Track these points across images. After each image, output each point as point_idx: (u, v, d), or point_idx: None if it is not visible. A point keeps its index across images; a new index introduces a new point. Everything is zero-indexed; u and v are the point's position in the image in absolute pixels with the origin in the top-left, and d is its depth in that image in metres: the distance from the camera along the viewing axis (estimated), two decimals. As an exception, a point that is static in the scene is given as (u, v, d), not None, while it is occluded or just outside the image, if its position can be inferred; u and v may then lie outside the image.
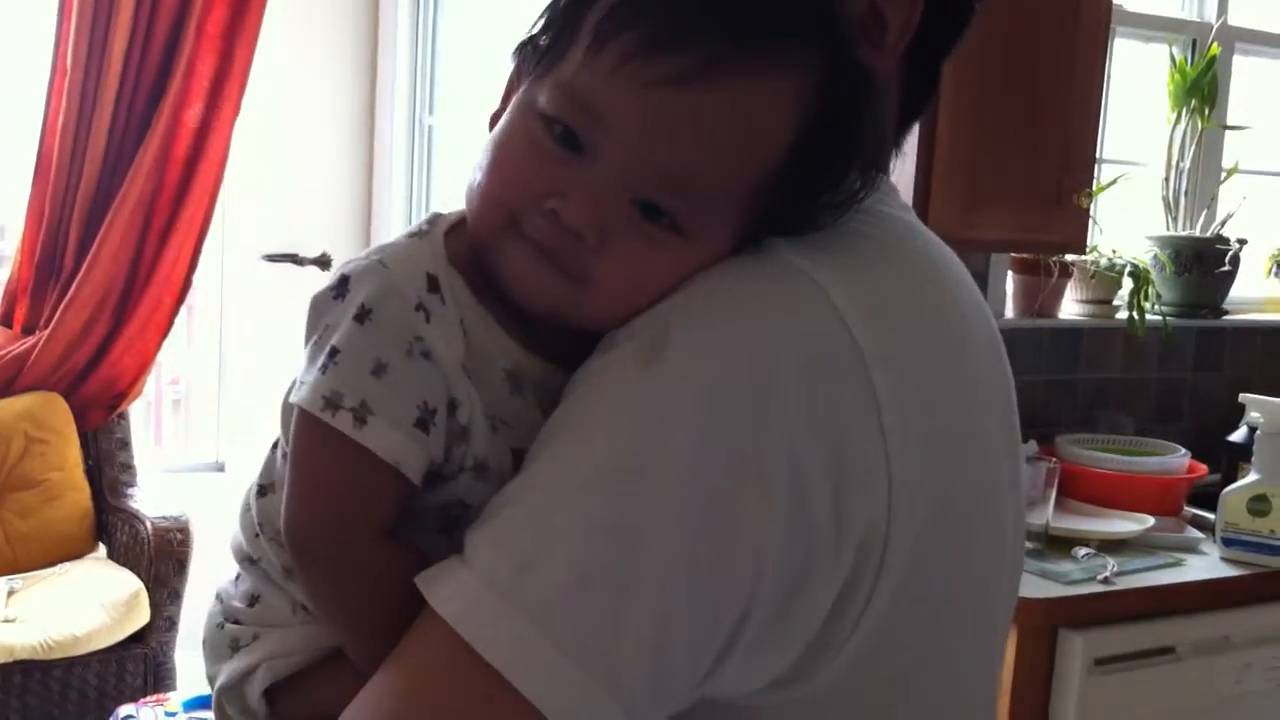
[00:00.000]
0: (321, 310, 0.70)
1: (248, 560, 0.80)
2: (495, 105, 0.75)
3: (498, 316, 0.72)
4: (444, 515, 0.72)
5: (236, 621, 0.81)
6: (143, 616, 3.16)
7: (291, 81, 3.94)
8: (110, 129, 3.51)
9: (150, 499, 3.48)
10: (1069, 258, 2.89)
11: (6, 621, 3.01)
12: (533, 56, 0.72)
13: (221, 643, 0.81)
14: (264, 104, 3.82)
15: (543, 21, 0.72)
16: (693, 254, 0.69)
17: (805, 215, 0.70)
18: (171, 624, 3.24)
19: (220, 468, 4.07)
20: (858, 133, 0.70)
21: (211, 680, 0.83)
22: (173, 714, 2.78)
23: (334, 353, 0.68)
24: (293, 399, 0.70)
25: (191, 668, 3.22)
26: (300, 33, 3.93)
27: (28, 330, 3.59)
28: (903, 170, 2.44)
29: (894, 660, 0.70)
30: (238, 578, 0.82)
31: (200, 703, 2.82)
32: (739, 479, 0.63)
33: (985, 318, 0.79)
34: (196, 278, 3.76)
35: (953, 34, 0.81)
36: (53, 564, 3.33)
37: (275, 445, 0.79)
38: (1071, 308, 3.05)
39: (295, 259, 3.98)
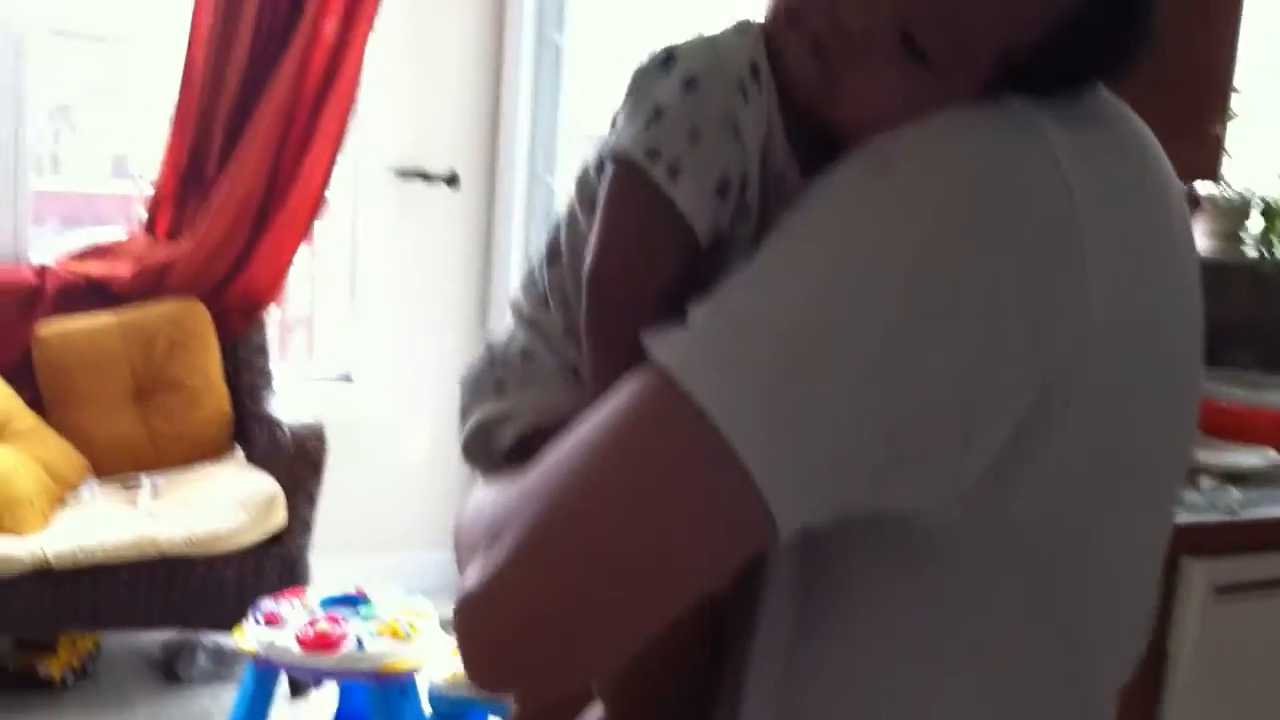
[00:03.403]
0: (647, 79, 0.77)
1: (527, 320, 0.88)
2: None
3: (784, 115, 0.78)
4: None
5: (506, 369, 0.88)
6: (280, 518, 3.26)
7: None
8: (251, 41, 3.59)
9: (286, 406, 3.59)
10: (1199, 189, 2.85)
11: (151, 516, 3.14)
12: None
13: (487, 385, 0.88)
14: (397, 19, 3.86)
15: None
16: (938, 93, 0.73)
17: (1050, 83, 0.74)
18: (307, 527, 3.35)
19: (348, 378, 4.18)
20: (1124, 20, 0.74)
21: (465, 414, 0.89)
22: (310, 609, 2.91)
23: (658, 113, 0.76)
24: (615, 148, 0.77)
25: (325, 571, 3.35)
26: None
27: (171, 237, 3.70)
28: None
29: (1069, 504, 0.73)
30: (512, 334, 0.89)
31: (335, 602, 2.94)
32: (943, 288, 0.67)
33: (1185, 223, 0.83)
34: (330, 191, 3.85)
35: None
36: (193, 464, 3.46)
37: (557, 225, 0.87)
38: (1198, 241, 2.98)
39: (424, 175, 4.05)
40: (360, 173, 4.09)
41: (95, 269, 3.60)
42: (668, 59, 0.77)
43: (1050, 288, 0.68)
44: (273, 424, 3.50)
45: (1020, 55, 0.73)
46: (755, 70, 0.77)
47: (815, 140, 0.77)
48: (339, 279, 4.21)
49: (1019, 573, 0.74)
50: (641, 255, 0.77)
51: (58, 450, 3.28)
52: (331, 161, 3.78)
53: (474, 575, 0.71)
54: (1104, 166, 0.74)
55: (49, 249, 3.72)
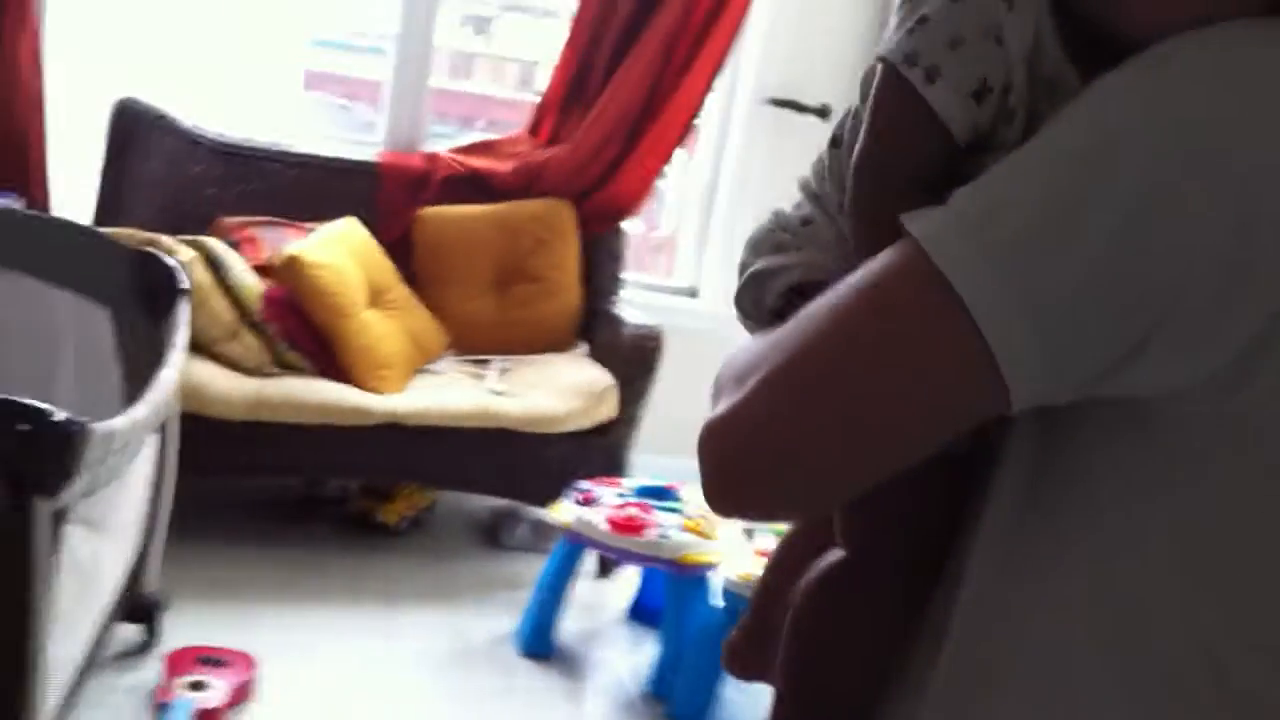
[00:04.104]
0: None
1: (813, 195, 0.98)
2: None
3: (1063, 33, 0.81)
4: None
5: (788, 232, 0.98)
6: (610, 410, 3.46)
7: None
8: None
9: (632, 310, 3.77)
10: None
11: (496, 393, 3.40)
12: None
13: (768, 241, 0.99)
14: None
15: None
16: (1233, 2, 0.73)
17: None
18: (634, 422, 3.53)
19: (694, 293, 4.33)
20: None
21: (744, 268, 0.99)
22: (624, 494, 3.08)
23: (923, 20, 0.82)
24: (880, 51, 0.84)
25: (645, 466, 3.52)
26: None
27: (551, 142, 3.94)
28: None
29: None
30: (798, 205, 0.99)
31: (648, 492, 3.10)
32: (1201, 176, 0.67)
33: None
34: (702, 117, 3.99)
35: None
36: (541, 352, 3.69)
37: (845, 114, 0.95)
38: None
39: (796, 106, 4.12)
40: (736, 100, 4.21)
41: (478, 163, 3.88)
42: None
43: None
44: (616, 323, 3.69)
45: None
46: None
47: (1098, 48, 0.78)
48: (701, 199, 4.36)
49: (1256, 472, 0.72)
50: (897, 150, 0.84)
51: (423, 323, 3.58)
52: (707, 88, 3.92)
53: (719, 408, 0.77)
54: None
55: (443, 143, 4.04)
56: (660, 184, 4.12)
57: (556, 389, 3.43)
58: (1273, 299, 0.68)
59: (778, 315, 0.90)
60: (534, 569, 3.11)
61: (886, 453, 0.74)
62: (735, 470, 0.76)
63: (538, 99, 4.01)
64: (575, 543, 2.98)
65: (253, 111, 3.85)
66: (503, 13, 5.11)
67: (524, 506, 3.59)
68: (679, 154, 4.09)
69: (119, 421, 1.76)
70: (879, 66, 0.85)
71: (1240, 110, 0.68)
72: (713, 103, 4.08)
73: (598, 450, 3.45)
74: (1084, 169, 0.69)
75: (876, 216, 0.81)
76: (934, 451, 0.75)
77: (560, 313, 3.79)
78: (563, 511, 2.99)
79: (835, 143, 0.95)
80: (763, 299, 0.95)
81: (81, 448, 1.60)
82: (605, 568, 3.49)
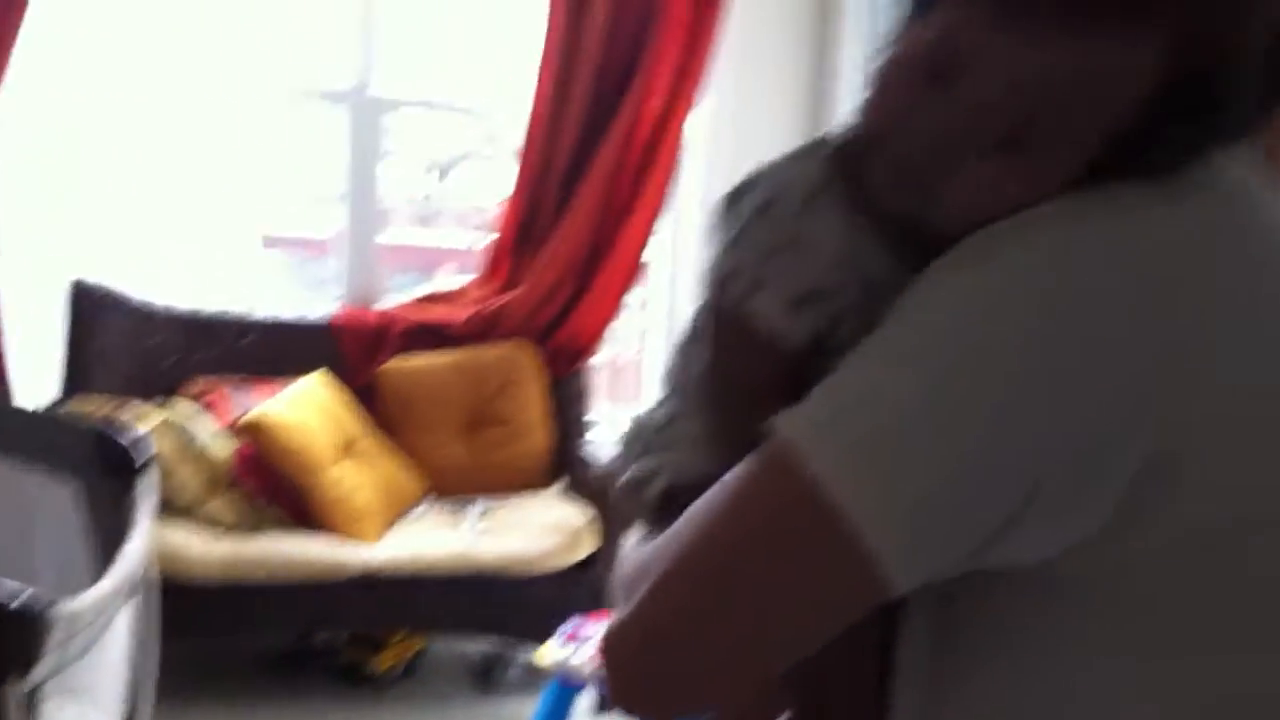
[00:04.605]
0: (729, 206, 0.85)
1: (674, 390, 0.97)
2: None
3: (874, 223, 0.82)
4: None
5: (654, 433, 0.97)
6: (591, 546, 3.46)
7: (741, 80, 4.15)
8: (582, 114, 3.86)
9: (602, 445, 3.78)
10: None
11: (474, 535, 3.39)
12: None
13: (636, 446, 0.98)
14: (721, 97, 4.07)
15: None
16: (1037, 181, 0.75)
17: (1145, 164, 0.74)
18: (614, 556, 3.52)
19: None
20: (1210, 105, 0.73)
21: (619, 473, 0.99)
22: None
23: (738, 237, 0.83)
24: (705, 272, 0.86)
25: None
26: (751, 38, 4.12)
27: (508, 285, 3.98)
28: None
29: (1188, 558, 0.73)
30: (662, 400, 0.99)
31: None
32: (1030, 364, 0.69)
33: None
34: (654, 251, 4.08)
35: None
36: (518, 492, 3.70)
37: (699, 308, 0.95)
38: None
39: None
40: (678, 237, 4.29)
41: (435, 314, 3.93)
42: (744, 186, 0.84)
43: (1164, 355, 0.69)
44: (586, 461, 3.72)
45: (1114, 140, 0.73)
46: (827, 187, 0.82)
47: (917, 239, 0.80)
48: (662, 325, 4.40)
49: (1149, 612, 0.75)
50: (738, 367, 0.85)
51: (398, 471, 3.58)
52: (651, 225, 3.99)
53: (614, 617, 0.80)
54: (1215, 242, 0.74)
55: (400, 295, 4.09)
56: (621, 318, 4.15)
57: (535, 529, 3.44)
58: (1130, 462, 0.70)
59: (660, 518, 0.91)
60: (530, 710, 3.06)
61: (781, 649, 0.76)
62: (637, 677, 0.78)
63: (491, 240, 4.06)
64: (565, 683, 2.93)
65: (214, 275, 3.88)
66: (460, 159, 5.20)
67: (516, 646, 3.56)
68: (643, 283, 4.14)
69: (85, 598, 1.75)
70: (704, 288, 0.87)
71: (1071, 290, 0.70)
72: (662, 235, 4.15)
73: (582, 586, 3.44)
74: (929, 365, 0.71)
75: (737, 424, 0.83)
76: (833, 637, 0.76)
77: (531, 453, 3.80)
78: (550, 653, 2.95)
79: (693, 337, 0.94)
80: (642, 501, 0.95)
81: (46, 629, 1.59)
82: (604, 703, 3.43)
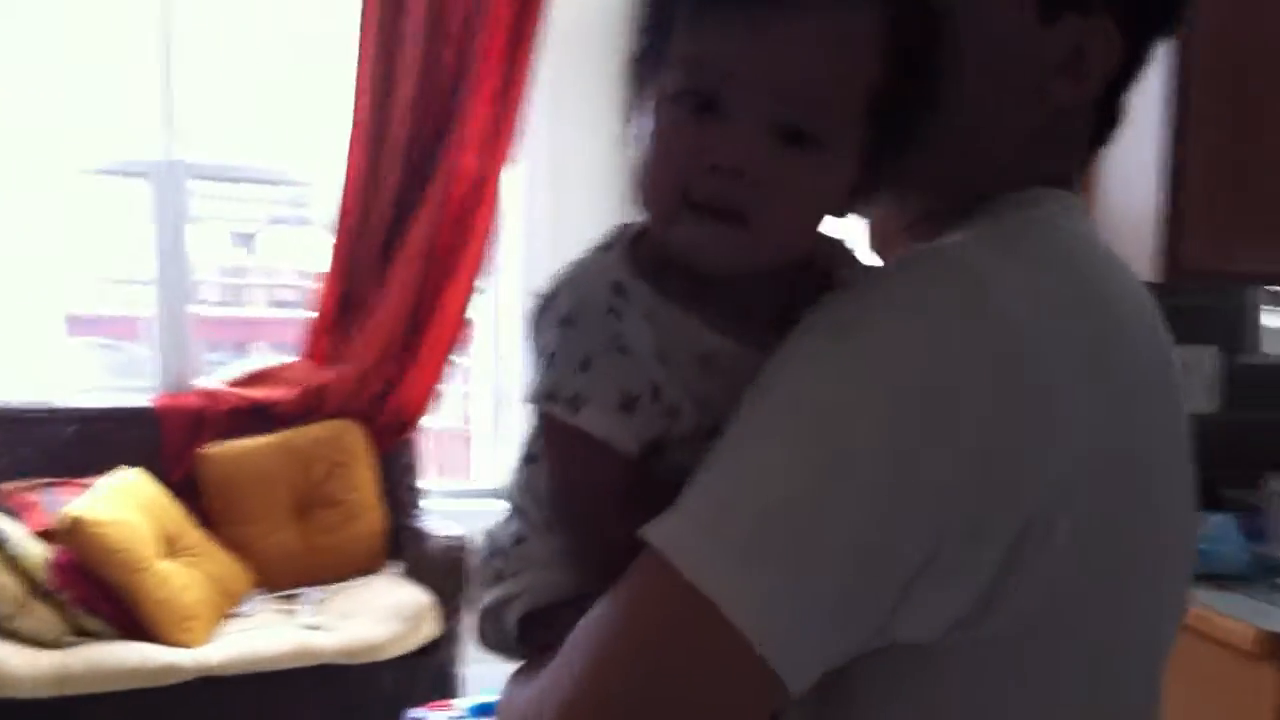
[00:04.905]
0: (535, 324, 0.84)
1: (518, 510, 0.93)
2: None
3: (688, 307, 0.82)
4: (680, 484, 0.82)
5: (503, 556, 0.93)
6: (433, 629, 3.37)
7: (555, 136, 4.15)
8: (398, 180, 3.81)
9: (437, 520, 3.70)
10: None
11: (311, 629, 3.26)
12: (642, 68, 0.82)
13: (487, 572, 0.94)
14: (536, 153, 4.05)
15: (639, 37, 0.82)
16: (835, 168, 0.77)
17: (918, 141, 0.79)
18: (458, 637, 3.44)
19: (498, 494, 4.27)
20: (935, 64, 0.79)
21: (474, 604, 0.95)
22: (458, 717, 2.97)
23: (550, 356, 0.81)
24: (527, 397, 0.83)
25: (478, 678, 3.42)
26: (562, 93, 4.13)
27: (328, 362, 3.89)
28: (1144, 203, 2.44)
29: (1062, 619, 0.75)
30: (507, 520, 0.94)
31: (484, 710, 3.00)
32: (905, 437, 0.69)
33: (1155, 335, 0.84)
34: (476, 312, 4.02)
35: (1139, 72, 0.88)
36: (352, 577, 3.58)
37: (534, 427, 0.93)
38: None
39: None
40: (500, 298, 4.25)
41: (258, 393, 3.79)
42: (545, 301, 0.83)
43: (1020, 430, 0.70)
44: (423, 537, 3.62)
45: (878, 111, 0.76)
46: (619, 288, 0.81)
47: (731, 302, 0.81)
48: (487, 398, 4.35)
49: (1014, 678, 0.76)
50: (581, 482, 0.83)
51: (224, 565, 3.43)
52: (470, 290, 3.95)
53: None
54: (1045, 291, 0.75)
55: (218, 374, 3.94)
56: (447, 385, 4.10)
57: (373, 614, 3.33)
58: (1007, 531, 0.71)
59: (523, 643, 0.89)
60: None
61: None
62: None
63: (310, 316, 3.96)
64: (418, 774, 2.85)
65: (14, 368, 3.66)
66: (267, 226, 5.05)
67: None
68: (459, 357, 4.08)
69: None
70: (529, 409, 0.85)
71: (941, 355, 0.70)
72: (483, 302, 4.11)
73: (425, 672, 3.34)
74: (802, 451, 0.70)
75: (592, 538, 0.82)
76: None
77: (365, 535, 3.70)
78: (400, 744, 2.86)
79: (530, 459, 0.91)
80: (502, 630, 0.92)
81: None
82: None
